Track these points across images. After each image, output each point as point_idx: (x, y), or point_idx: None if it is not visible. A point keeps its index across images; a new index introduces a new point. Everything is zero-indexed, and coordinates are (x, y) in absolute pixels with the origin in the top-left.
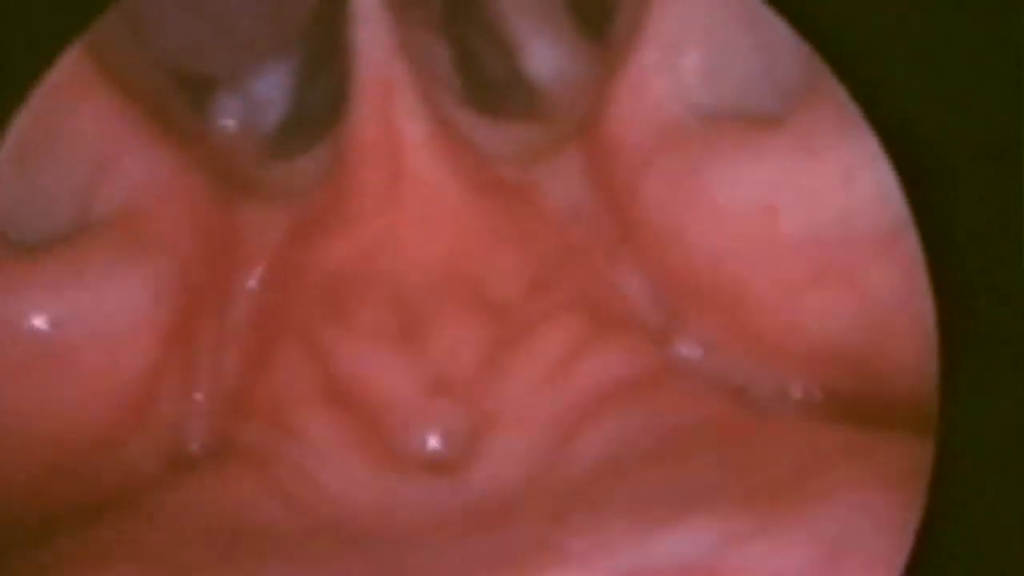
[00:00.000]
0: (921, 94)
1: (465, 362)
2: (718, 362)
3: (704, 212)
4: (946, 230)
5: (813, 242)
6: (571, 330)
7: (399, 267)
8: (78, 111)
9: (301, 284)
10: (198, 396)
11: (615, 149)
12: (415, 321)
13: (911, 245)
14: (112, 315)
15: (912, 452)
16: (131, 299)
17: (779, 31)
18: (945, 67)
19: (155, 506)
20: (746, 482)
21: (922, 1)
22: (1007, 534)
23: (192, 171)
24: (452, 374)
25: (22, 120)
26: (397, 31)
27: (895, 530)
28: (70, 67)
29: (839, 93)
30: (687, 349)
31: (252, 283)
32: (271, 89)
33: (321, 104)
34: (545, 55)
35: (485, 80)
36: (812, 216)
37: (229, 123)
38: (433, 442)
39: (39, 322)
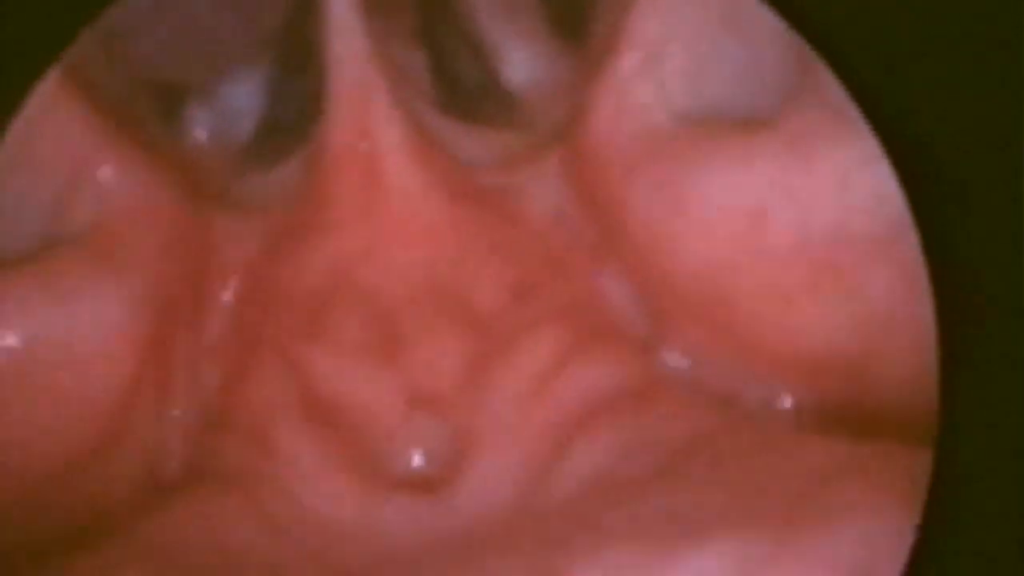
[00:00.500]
0: (922, 94)
1: (447, 376)
2: (706, 372)
3: (691, 218)
4: (947, 232)
5: (805, 247)
6: (555, 341)
7: (377, 279)
8: (49, 124)
9: (277, 297)
10: (176, 413)
11: (597, 155)
12: (395, 334)
13: (910, 248)
14: (85, 332)
15: (914, 464)
16: (104, 315)
17: (767, 32)
18: (945, 66)
19: (132, 534)
20: (755, 503)
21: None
22: (1007, 545)
23: (165, 184)
24: (434, 389)
25: None
26: (372, 38)
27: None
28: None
29: (831, 93)
30: (674, 359)
31: (227, 297)
32: (243, 99)
33: (294, 114)
34: (522, 61)
35: (461, 87)
36: (804, 221)
37: (201, 134)
38: (417, 459)
39: (9, 340)
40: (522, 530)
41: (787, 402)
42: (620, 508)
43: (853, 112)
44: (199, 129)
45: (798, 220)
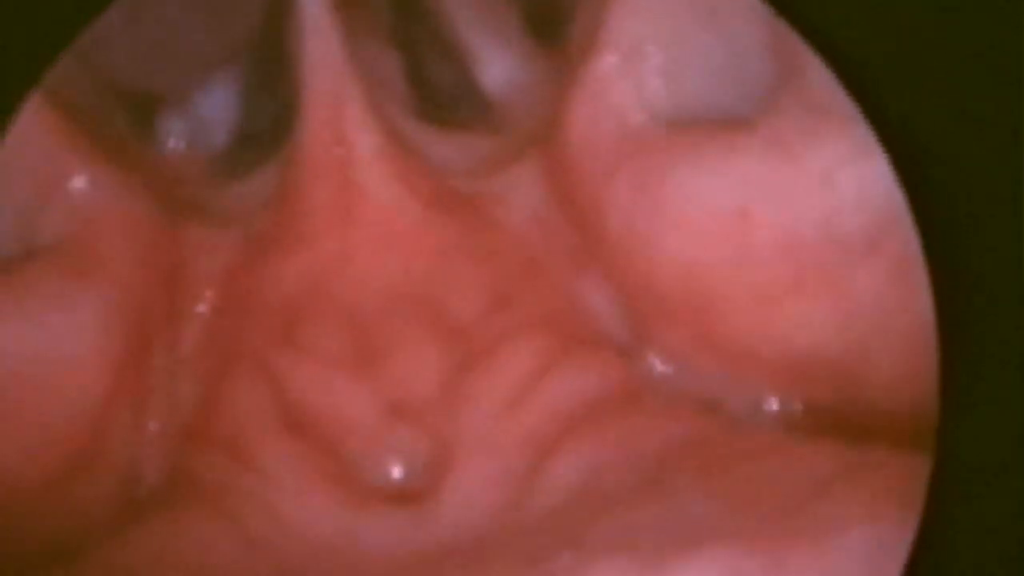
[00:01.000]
0: (920, 90)
1: (425, 386)
2: (691, 377)
3: (673, 220)
4: (946, 230)
5: (790, 247)
6: (535, 349)
7: (354, 288)
8: (21, 135)
9: (253, 308)
10: (152, 426)
11: (575, 158)
12: (372, 345)
13: (901, 246)
14: (58, 345)
15: (910, 471)
16: (78, 328)
17: (746, 31)
18: (944, 63)
19: (108, 552)
20: (746, 514)
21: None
22: (1006, 550)
23: (139, 194)
24: (412, 399)
25: None
26: (346, 43)
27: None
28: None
29: (814, 91)
30: (658, 364)
31: (203, 308)
32: (217, 109)
33: (269, 123)
34: (497, 64)
35: (436, 91)
36: (789, 219)
37: (175, 144)
38: (396, 471)
39: None
40: (505, 543)
41: (773, 405)
42: (606, 519)
43: (838, 110)
44: (173, 139)
45: (782, 219)
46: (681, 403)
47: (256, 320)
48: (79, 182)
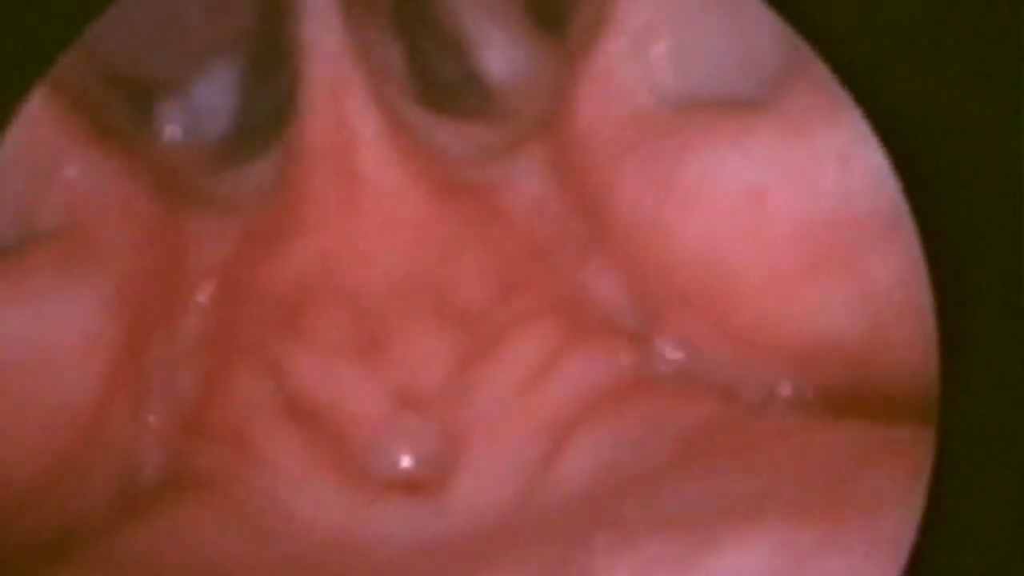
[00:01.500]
0: (917, 84)
1: (433, 375)
2: (702, 362)
3: (686, 203)
4: (943, 220)
5: (806, 229)
6: (545, 336)
7: (358, 277)
8: (18, 119)
9: (255, 298)
10: (151, 419)
11: (583, 144)
12: (378, 333)
13: (912, 230)
14: (56, 333)
15: (920, 446)
16: (76, 316)
17: (756, 13)
18: (941, 55)
19: (108, 546)
20: (786, 490)
21: None
22: (1008, 530)
23: (137, 182)
24: (420, 388)
25: None
26: (348, 30)
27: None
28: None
29: (825, 76)
30: (669, 350)
31: (203, 298)
32: (216, 96)
33: (268, 111)
34: (499, 52)
35: (438, 80)
36: (805, 201)
37: (173, 132)
38: (406, 461)
39: None
40: (527, 530)
41: (786, 389)
42: (639, 499)
43: (846, 96)
44: (171, 126)
45: (797, 202)
46: (695, 388)
47: (257, 310)
48: (76, 169)
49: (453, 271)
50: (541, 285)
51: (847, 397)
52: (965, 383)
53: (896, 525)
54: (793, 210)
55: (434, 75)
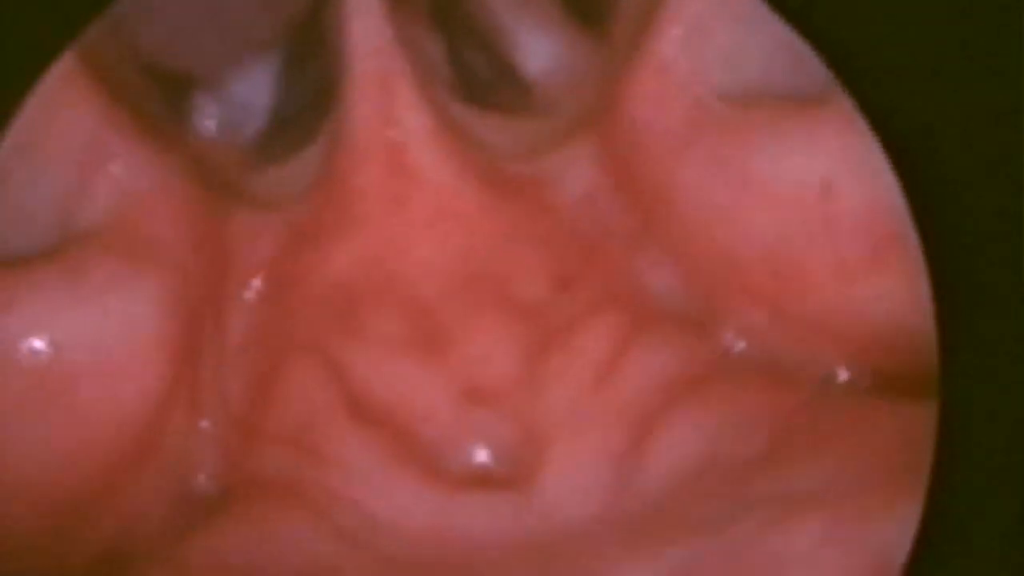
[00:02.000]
0: (921, 93)
1: (501, 369)
2: (762, 350)
3: (756, 196)
4: (946, 230)
5: (871, 219)
6: (610, 328)
7: (412, 272)
8: (61, 113)
9: (304, 295)
10: (204, 424)
11: (638, 138)
12: (438, 328)
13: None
14: (117, 334)
15: None
16: (137, 319)
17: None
18: (945, 65)
19: (173, 556)
20: (851, 474)
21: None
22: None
23: (179, 177)
24: (488, 383)
25: None
26: (392, 24)
27: None
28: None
29: None
30: (731, 339)
31: (250, 296)
32: (253, 91)
33: (306, 104)
34: (537, 46)
35: (477, 75)
36: (870, 192)
37: (210, 126)
38: (482, 456)
39: (36, 344)
40: (618, 522)
41: (843, 376)
42: (759, 482)
43: None
44: (207, 121)
45: (862, 192)
46: (760, 376)
47: (309, 308)
48: (122, 162)
49: (508, 265)
50: (597, 277)
51: (904, 380)
52: (966, 383)
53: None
54: (858, 201)
55: (472, 70)
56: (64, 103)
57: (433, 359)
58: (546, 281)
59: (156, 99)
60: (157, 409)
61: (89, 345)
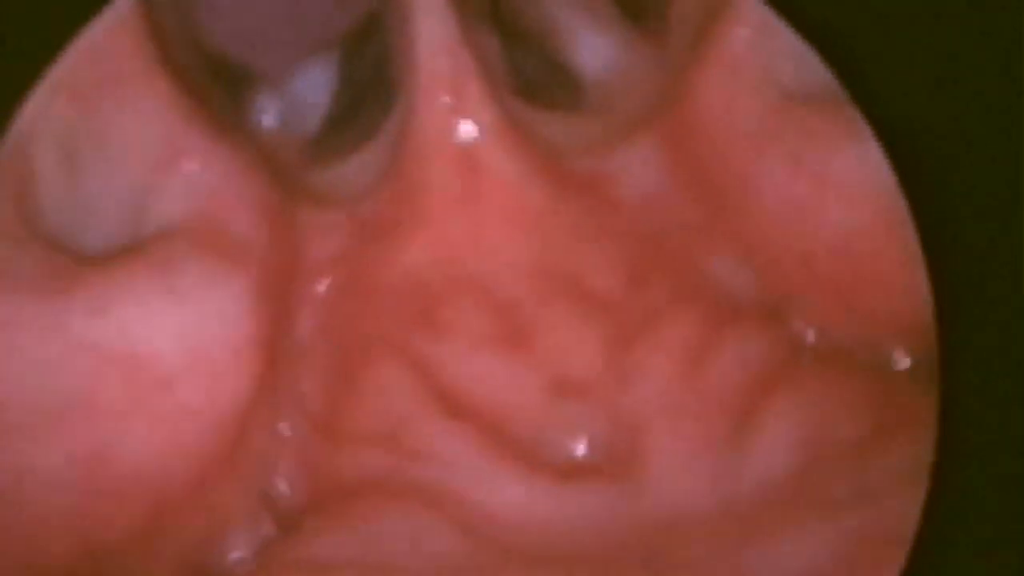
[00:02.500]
0: (920, 91)
1: (586, 362)
2: (834, 341)
3: (838, 190)
4: (944, 227)
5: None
6: (690, 322)
7: (486, 268)
8: (130, 102)
9: (378, 292)
10: (282, 426)
11: (711, 135)
12: (519, 323)
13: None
14: (213, 337)
15: None
16: (230, 313)
17: None
18: (945, 63)
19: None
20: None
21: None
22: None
23: (252, 172)
24: (576, 375)
25: (63, 104)
26: (457, 23)
27: None
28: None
29: None
30: (800, 329)
31: (319, 294)
32: (310, 87)
33: (364, 101)
34: (592, 45)
35: (533, 73)
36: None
37: (269, 122)
38: (580, 447)
39: (133, 344)
40: (725, 511)
41: (905, 363)
42: (832, 478)
43: None
44: (267, 117)
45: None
46: (838, 366)
47: (384, 305)
48: (195, 159)
49: (581, 260)
50: (668, 272)
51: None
52: (965, 401)
53: None
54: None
55: (528, 69)
56: (138, 95)
57: (518, 353)
58: (620, 276)
59: (219, 94)
60: (247, 411)
61: (185, 344)
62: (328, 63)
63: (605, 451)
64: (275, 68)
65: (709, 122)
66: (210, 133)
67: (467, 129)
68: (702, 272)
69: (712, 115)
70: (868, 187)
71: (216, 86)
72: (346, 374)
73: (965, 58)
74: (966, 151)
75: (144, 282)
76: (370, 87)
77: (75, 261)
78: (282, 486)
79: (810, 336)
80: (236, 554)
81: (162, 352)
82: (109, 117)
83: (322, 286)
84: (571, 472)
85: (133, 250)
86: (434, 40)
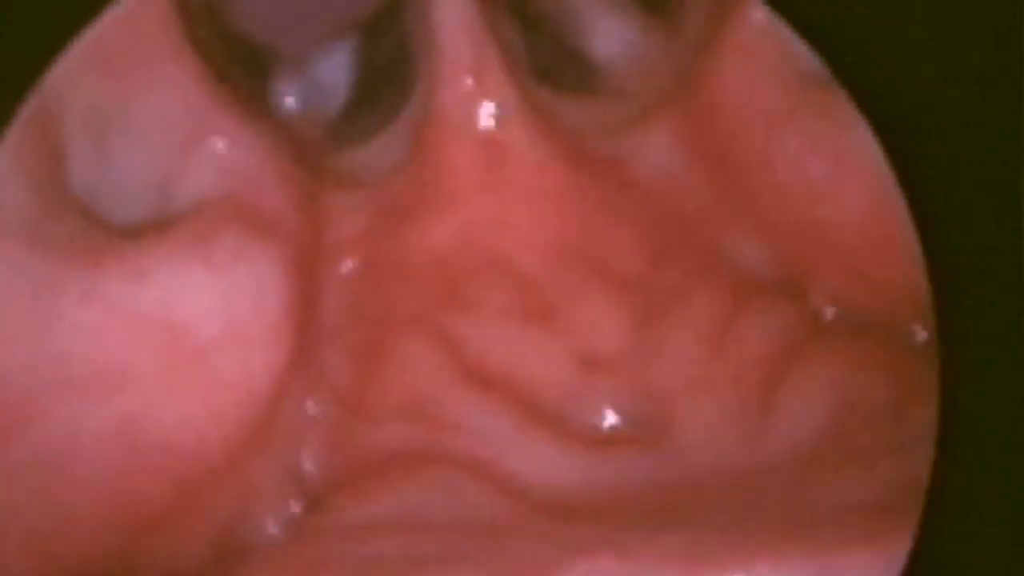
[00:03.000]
0: (919, 87)
1: (612, 337)
2: (849, 314)
3: (854, 170)
4: (943, 221)
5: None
6: (712, 297)
7: (510, 247)
8: (157, 80)
9: (403, 270)
10: (309, 403)
11: (726, 117)
12: (544, 300)
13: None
14: (247, 306)
15: None
16: (265, 286)
17: None
18: (944, 60)
19: (302, 533)
20: None
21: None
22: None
23: (277, 151)
24: (602, 349)
25: (92, 78)
26: (479, 7)
27: None
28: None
29: None
30: (823, 305)
31: (345, 272)
32: (330, 69)
33: (383, 83)
34: (609, 29)
35: (550, 57)
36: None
37: (291, 103)
38: (610, 418)
39: (170, 313)
40: (754, 475)
41: (921, 336)
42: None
43: None
44: (288, 98)
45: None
46: (858, 338)
47: (409, 283)
48: (222, 137)
49: (602, 239)
50: (688, 250)
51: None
52: (965, 403)
53: None
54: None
55: (546, 53)
56: (166, 73)
57: (544, 328)
58: (641, 254)
59: (243, 75)
60: (279, 385)
61: (222, 316)
62: (350, 46)
63: (634, 421)
64: (298, 50)
65: (725, 104)
66: (235, 113)
67: (489, 111)
68: (721, 250)
69: (728, 97)
70: (882, 165)
71: (240, 67)
72: (373, 352)
73: (963, 48)
74: (969, 143)
75: (183, 253)
76: (392, 70)
77: (109, 232)
78: (309, 464)
79: (828, 310)
80: (267, 529)
81: (199, 322)
82: (137, 94)
83: (347, 266)
84: (602, 440)
85: (168, 222)
86: (455, 24)
